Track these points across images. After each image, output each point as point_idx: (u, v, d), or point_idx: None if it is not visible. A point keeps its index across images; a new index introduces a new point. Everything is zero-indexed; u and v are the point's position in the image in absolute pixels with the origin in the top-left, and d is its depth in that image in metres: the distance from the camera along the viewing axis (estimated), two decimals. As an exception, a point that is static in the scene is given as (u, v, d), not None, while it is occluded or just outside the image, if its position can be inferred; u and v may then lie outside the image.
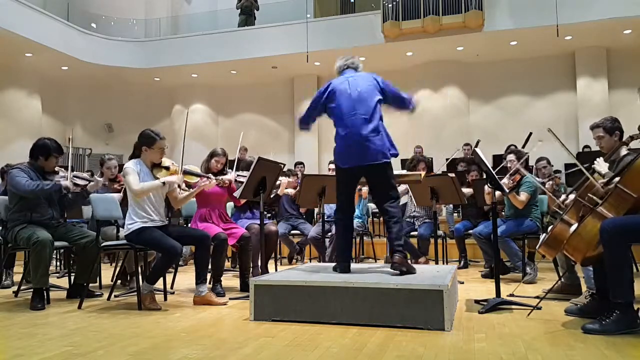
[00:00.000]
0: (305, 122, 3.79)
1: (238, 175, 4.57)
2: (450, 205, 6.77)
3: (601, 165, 3.18)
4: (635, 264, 5.51)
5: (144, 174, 3.67)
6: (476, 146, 9.56)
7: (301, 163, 9.13)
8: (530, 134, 6.20)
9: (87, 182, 4.24)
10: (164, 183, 3.64)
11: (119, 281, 4.62)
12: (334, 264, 3.64)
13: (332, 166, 6.29)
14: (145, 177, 3.66)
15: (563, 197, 3.75)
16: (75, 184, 4.11)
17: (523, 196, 4.82)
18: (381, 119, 3.55)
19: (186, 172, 3.97)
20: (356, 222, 6.68)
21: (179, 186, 3.86)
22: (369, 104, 3.49)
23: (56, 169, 4.11)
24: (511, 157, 5.06)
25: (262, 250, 4.34)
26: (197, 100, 14.54)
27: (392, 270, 3.35)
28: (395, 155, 3.55)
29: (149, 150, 3.71)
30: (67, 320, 3.23)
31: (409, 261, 3.70)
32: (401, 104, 3.71)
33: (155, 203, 3.69)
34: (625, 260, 2.68)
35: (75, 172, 4.25)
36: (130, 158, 3.77)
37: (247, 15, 13.36)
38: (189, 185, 4.06)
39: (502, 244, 4.82)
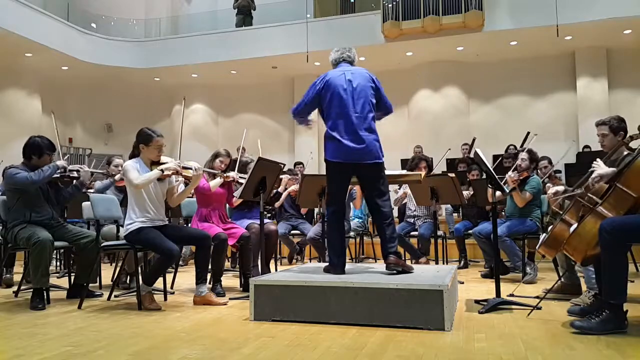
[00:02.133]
0: (299, 113, 3.64)
1: (240, 177, 4.56)
2: (449, 206, 6.78)
3: (601, 166, 3.09)
4: (635, 264, 5.51)
5: (144, 172, 3.66)
6: (472, 144, 9.59)
7: (301, 163, 9.13)
8: (528, 133, 6.23)
9: (79, 171, 4.28)
10: (162, 171, 3.60)
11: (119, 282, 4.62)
12: (326, 264, 3.57)
13: None
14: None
15: (561, 187, 3.73)
16: (70, 176, 4.15)
17: (527, 194, 4.82)
18: (373, 119, 3.50)
19: (185, 168, 3.95)
20: (356, 222, 6.69)
21: (179, 173, 3.77)
22: (365, 102, 3.45)
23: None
24: (524, 155, 5.04)
25: (262, 250, 4.34)
26: (197, 100, 14.53)
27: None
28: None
29: (147, 148, 3.71)
30: (67, 320, 3.23)
31: (406, 260, 3.63)
32: (384, 109, 3.66)
33: (155, 203, 3.69)
34: (623, 262, 2.68)
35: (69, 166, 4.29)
36: (130, 158, 3.78)
37: (245, 15, 13.35)
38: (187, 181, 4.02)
39: (502, 244, 4.82)
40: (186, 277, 5.33)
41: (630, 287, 2.97)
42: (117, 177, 5.00)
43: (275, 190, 5.54)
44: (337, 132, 3.43)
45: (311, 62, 12.25)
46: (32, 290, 3.72)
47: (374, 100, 3.52)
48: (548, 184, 5.44)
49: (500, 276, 3.80)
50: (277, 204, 6.26)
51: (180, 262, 6.11)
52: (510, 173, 4.83)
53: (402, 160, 9.85)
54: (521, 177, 4.87)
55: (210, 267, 4.00)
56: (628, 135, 3.26)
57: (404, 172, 5.24)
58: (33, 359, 2.32)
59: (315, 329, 2.84)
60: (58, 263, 6.51)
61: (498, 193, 3.79)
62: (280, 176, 5.33)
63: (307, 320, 2.98)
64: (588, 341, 2.53)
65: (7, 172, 3.94)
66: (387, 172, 3.62)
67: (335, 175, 3.52)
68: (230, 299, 3.90)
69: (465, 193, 5.85)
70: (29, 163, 3.99)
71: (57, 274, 5.89)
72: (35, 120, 12.68)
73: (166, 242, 3.53)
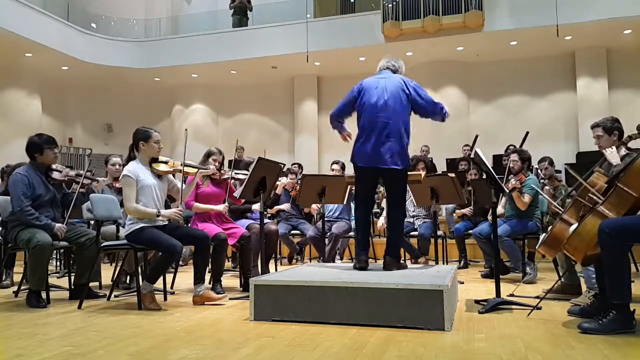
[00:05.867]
0: (336, 116, 3.88)
1: (236, 173, 4.57)
2: (449, 206, 6.78)
3: (614, 154, 3.17)
4: (635, 264, 5.51)
5: (144, 174, 3.67)
6: (474, 142, 9.58)
7: (297, 164, 9.10)
8: (527, 133, 6.20)
9: (93, 182, 4.32)
10: (158, 215, 3.61)
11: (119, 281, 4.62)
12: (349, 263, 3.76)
13: (336, 166, 6.30)
14: (145, 177, 3.66)
15: (558, 201, 3.76)
16: (76, 181, 4.16)
17: (527, 197, 4.81)
18: (405, 126, 3.62)
19: (186, 165, 3.95)
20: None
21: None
22: (393, 108, 3.58)
23: (55, 166, 4.12)
24: (514, 157, 5.03)
25: (262, 250, 4.34)
26: (197, 100, 14.54)
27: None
28: (405, 166, 3.63)
29: (146, 144, 3.72)
30: (67, 320, 3.23)
31: (404, 261, 3.83)
32: (431, 112, 3.72)
33: (156, 203, 3.70)
34: (623, 261, 2.68)
35: (77, 171, 4.28)
36: (127, 161, 3.77)
37: (241, 15, 13.33)
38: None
39: (502, 244, 4.82)
40: (186, 277, 5.32)
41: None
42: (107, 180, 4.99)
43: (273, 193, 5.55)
44: (362, 136, 3.64)
45: (311, 62, 12.25)
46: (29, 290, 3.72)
47: (406, 105, 3.63)
48: (547, 186, 5.42)
49: (500, 276, 3.80)
50: (275, 209, 6.28)
51: (180, 262, 6.11)
52: (512, 180, 4.83)
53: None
54: (521, 180, 4.85)
55: (210, 267, 4.00)
56: (627, 136, 3.27)
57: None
58: (33, 359, 2.32)
59: (315, 329, 2.84)
60: (58, 263, 6.51)
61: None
62: (280, 179, 5.34)
63: (307, 320, 2.98)
64: (588, 341, 2.53)
65: (13, 176, 3.90)
66: None
67: (358, 177, 3.77)
68: (230, 299, 3.90)
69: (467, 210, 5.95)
70: (36, 163, 4.00)
71: (57, 274, 5.89)
72: (35, 120, 12.68)
73: (168, 238, 3.53)
